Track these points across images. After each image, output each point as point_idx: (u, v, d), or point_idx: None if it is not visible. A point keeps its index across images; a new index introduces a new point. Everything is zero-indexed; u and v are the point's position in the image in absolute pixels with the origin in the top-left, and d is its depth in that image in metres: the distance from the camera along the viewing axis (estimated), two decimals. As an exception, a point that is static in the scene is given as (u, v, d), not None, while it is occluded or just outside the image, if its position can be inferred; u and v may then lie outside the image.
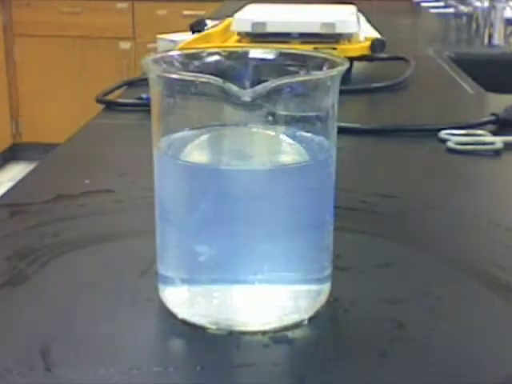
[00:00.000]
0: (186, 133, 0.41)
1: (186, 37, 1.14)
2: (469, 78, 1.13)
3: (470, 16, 1.72)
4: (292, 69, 0.42)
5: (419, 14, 2.13)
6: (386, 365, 0.37)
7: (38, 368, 0.36)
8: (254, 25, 1.08)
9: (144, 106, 0.84)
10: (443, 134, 0.77)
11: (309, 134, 0.40)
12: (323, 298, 0.42)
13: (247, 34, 1.10)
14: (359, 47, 1.09)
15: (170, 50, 0.43)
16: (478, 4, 1.66)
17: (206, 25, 1.19)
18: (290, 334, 0.39)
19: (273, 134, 0.40)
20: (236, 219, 0.39)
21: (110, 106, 0.89)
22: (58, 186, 0.62)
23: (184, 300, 0.41)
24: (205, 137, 0.41)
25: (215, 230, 0.39)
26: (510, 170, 0.72)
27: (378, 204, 0.59)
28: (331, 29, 1.07)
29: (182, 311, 0.41)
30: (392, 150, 0.76)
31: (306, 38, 1.08)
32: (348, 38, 1.08)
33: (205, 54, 0.43)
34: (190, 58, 0.43)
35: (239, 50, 0.45)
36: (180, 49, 0.83)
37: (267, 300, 0.40)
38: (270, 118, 0.38)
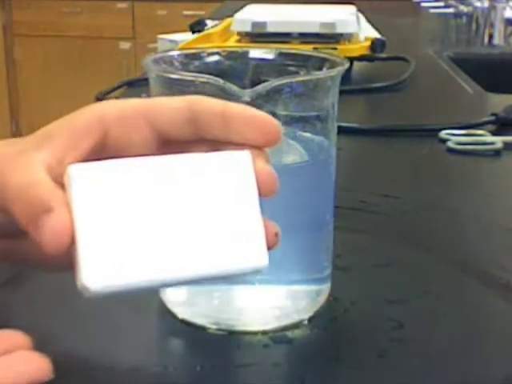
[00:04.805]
0: (185, 133, 0.41)
1: (186, 37, 1.14)
2: (469, 78, 1.13)
3: (470, 16, 1.72)
4: (292, 69, 0.42)
5: (419, 13, 2.13)
6: (386, 365, 0.37)
7: (38, 368, 0.36)
8: (254, 25, 1.09)
9: (144, 106, 0.84)
10: (443, 133, 0.77)
11: (309, 134, 0.40)
12: (323, 298, 0.42)
13: (247, 34, 1.10)
14: (359, 47, 1.09)
15: (170, 50, 0.43)
16: (477, 4, 1.66)
17: (206, 25, 1.19)
18: (289, 334, 0.39)
19: (273, 134, 0.40)
20: (236, 219, 0.38)
21: (110, 106, 0.89)
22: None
23: (184, 300, 0.41)
24: (205, 137, 0.41)
25: (215, 230, 0.38)
26: (510, 170, 0.72)
27: (378, 204, 0.59)
28: (331, 29, 1.07)
29: (182, 311, 0.40)
30: (392, 149, 0.76)
31: (305, 37, 1.08)
32: (348, 38, 1.08)
33: (205, 54, 0.43)
34: (190, 58, 0.43)
35: (239, 49, 0.44)
36: (180, 49, 0.83)
37: (267, 300, 0.40)
38: (270, 118, 0.38)
